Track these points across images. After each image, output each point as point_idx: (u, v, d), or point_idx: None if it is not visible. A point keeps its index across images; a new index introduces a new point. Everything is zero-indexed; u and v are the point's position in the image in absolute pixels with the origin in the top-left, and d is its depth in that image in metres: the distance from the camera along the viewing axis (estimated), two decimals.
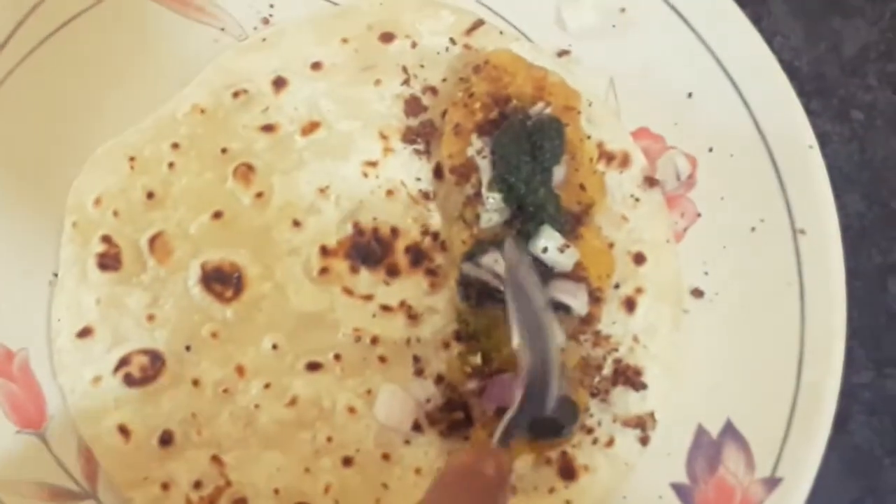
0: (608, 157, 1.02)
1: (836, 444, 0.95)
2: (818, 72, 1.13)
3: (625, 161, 1.02)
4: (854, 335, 0.98)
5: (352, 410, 0.96)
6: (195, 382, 0.96)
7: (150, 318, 0.97)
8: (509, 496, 0.82)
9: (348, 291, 0.98)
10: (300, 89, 1.03)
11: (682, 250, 1.01)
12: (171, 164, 1.00)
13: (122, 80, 1.03)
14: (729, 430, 0.95)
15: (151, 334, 0.97)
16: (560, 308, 0.93)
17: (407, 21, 1.06)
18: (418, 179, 1.01)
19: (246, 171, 1.00)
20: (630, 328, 0.99)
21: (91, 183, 1.00)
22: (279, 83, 1.03)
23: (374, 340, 0.97)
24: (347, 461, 0.95)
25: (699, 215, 1.01)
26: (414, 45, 1.04)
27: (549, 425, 0.91)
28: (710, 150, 1.02)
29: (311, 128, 1.02)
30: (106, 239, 0.99)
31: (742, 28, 1.02)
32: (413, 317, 0.98)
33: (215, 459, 0.95)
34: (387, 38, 1.05)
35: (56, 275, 0.98)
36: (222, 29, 1.05)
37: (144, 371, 0.96)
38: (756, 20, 1.04)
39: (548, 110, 0.97)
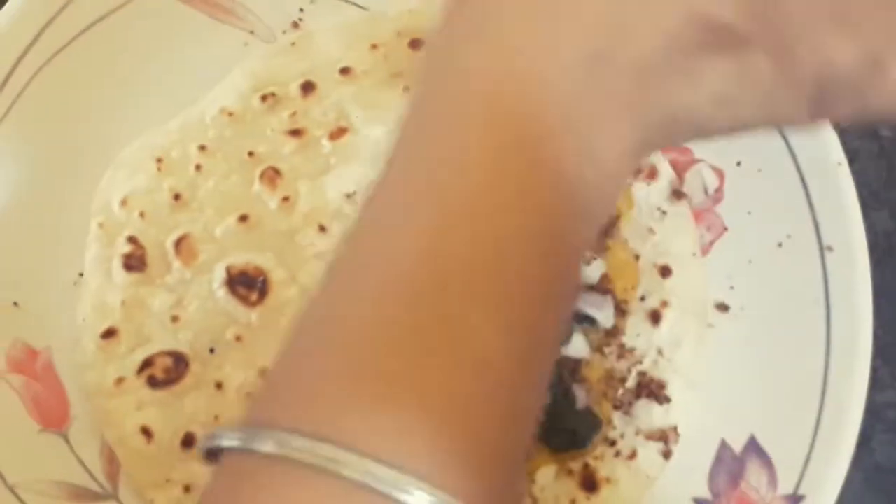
0: (636, 169, 1.02)
1: (859, 463, 0.94)
2: None
3: (652, 173, 1.02)
4: (879, 353, 0.97)
5: None
6: (218, 385, 0.96)
7: (175, 319, 0.97)
8: None
9: None
10: (329, 94, 1.03)
11: (708, 264, 1.01)
12: (198, 167, 1.00)
13: (150, 81, 1.02)
14: (752, 446, 0.95)
15: (175, 336, 0.97)
16: (585, 320, 0.93)
17: None
18: None
19: (273, 175, 1.00)
20: (654, 341, 0.98)
21: (117, 183, 1.00)
22: (307, 87, 1.03)
23: None
24: None
25: (726, 229, 1.01)
26: None
27: (570, 436, 0.91)
28: (738, 164, 1.01)
29: (338, 133, 1.02)
30: (132, 240, 0.99)
31: None
32: None
33: None
34: (416, 44, 1.04)
35: (81, 275, 0.99)
36: (251, 32, 1.05)
37: (168, 373, 0.96)
38: None
39: None
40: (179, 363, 0.96)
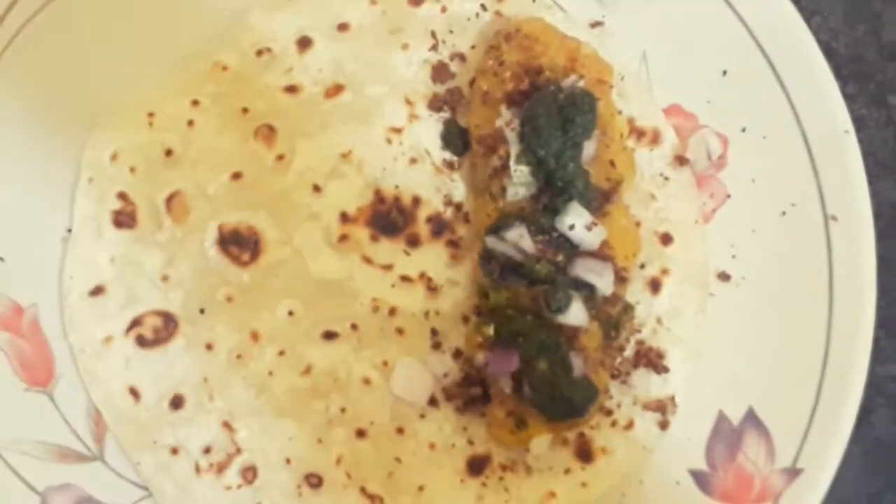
0: (639, 134, 1.00)
1: (858, 437, 0.94)
2: (856, 55, 1.10)
3: (655, 138, 1.00)
4: (881, 325, 0.96)
5: (367, 382, 0.94)
6: (208, 346, 0.94)
7: (165, 278, 0.95)
8: None
9: (368, 260, 0.96)
10: (325, 50, 1.00)
11: (710, 232, 0.99)
12: (190, 122, 0.98)
13: (144, 34, 1.00)
14: (751, 417, 0.94)
15: (165, 295, 0.95)
16: (584, 287, 0.91)
17: None
18: (443, 148, 0.99)
19: (268, 133, 0.98)
20: (654, 310, 0.97)
21: (108, 138, 0.98)
22: (304, 43, 1.00)
23: (392, 311, 0.96)
24: (361, 433, 0.93)
25: (729, 197, 0.99)
26: (444, 9, 1.02)
27: (566, 404, 0.89)
28: (743, 130, 0.99)
29: (335, 90, 0.99)
30: (122, 195, 0.97)
31: (781, 6, 1.00)
32: (433, 289, 0.96)
33: (226, 426, 0.93)
34: (416, 1, 1.02)
35: (70, 231, 0.96)
36: None
37: (157, 332, 0.95)
38: None
39: (580, 83, 0.94)
40: (169, 323, 0.95)
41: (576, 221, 0.91)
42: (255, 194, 0.97)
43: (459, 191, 0.98)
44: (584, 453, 0.94)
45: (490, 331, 0.92)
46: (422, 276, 0.96)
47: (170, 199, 0.96)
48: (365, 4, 1.01)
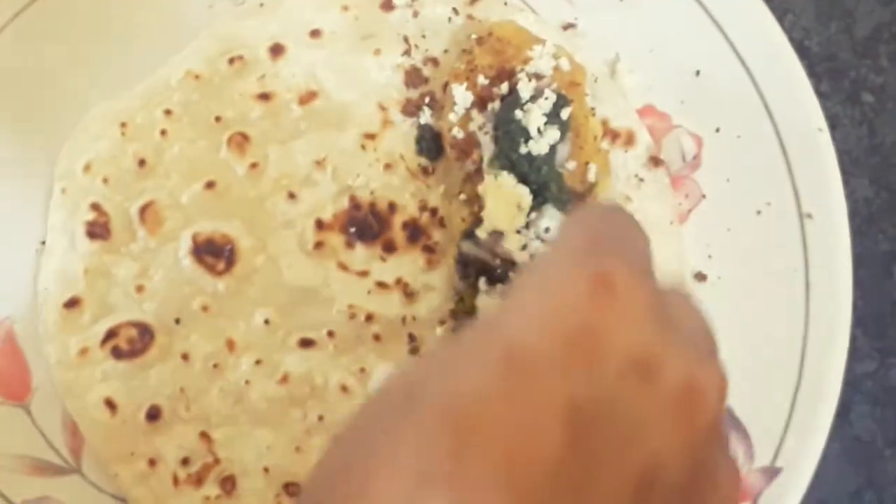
0: (613, 135, 0.99)
1: (837, 435, 0.94)
2: (829, 52, 1.10)
3: (630, 140, 1.00)
4: (858, 323, 0.96)
5: (345, 389, 0.94)
6: (184, 356, 0.94)
7: (140, 289, 0.95)
8: None
9: (343, 267, 0.96)
10: (298, 57, 1.00)
11: (685, 233, 0.99)
12: (163, 132, 0.98)
13: (114, 44, 1.00)
14: (729, 417, 0.93)
15: (140, 306, 0.95)
16: None
17: None
18: (418, 153, 0.99)
19: (241, 141, 0.97)
20: None
21: (81, 148, 0.97)
22: (276, 50, 1.00)
23: (369, 318, 0.95)
24: None
25: (704, 197, 0.99)
26: (416, 14, 1.01)
27: None
28: (717, 130, 0.99)
29: (308, 97, 0.99)
30: (95, 207, 0.96)
31: (753, 5, 1.00)
32: (409, 294, 0.96)
33: (204, 436, 0.92)
34: (388, 6, 1.01)
35: (44, 242, 0.96)
36: None
37: (133, 344, 0.94)
38: None
39: (553, 86, 0.94)
40: (144, 334, 0.94)
41: (551, 224, 0.91)
42: (229, 203, 0.96)
43: (434, 195, 0.98)
44: None
45: None
46: (398, 281, 0.96)
47: (143, 210, 0.96)
48: (336, 11, 1.01)
